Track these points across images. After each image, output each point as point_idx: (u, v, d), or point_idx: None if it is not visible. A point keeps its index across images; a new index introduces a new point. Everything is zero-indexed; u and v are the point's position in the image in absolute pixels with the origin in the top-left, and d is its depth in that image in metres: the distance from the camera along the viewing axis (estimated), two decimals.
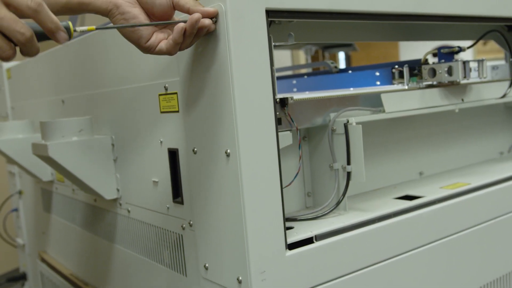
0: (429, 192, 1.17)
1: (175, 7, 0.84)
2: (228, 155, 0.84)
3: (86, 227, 1.47)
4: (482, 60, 1.25)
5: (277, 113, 0.96)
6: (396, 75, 1.27)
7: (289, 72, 2.62)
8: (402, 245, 1.03)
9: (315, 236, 0.93)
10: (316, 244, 0.92)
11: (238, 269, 0.86)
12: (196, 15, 0.80)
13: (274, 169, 0.86)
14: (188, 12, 0.82)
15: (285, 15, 0.91)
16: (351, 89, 1.38)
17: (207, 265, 0.94)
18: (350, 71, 1.42)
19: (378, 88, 1.30)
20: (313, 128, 1.09)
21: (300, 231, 0.94)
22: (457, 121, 1.43)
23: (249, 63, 0.83)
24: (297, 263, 0.89)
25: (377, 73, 1.31)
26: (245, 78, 0.82)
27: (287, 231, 0.93)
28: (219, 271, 0.91)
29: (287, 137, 0.97)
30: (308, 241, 0.92)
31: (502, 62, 1.65)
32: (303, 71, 2.10)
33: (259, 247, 0.84)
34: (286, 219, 1.01)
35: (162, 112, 1.02)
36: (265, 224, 0.85)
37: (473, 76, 1.28)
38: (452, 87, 1.25)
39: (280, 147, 0.95)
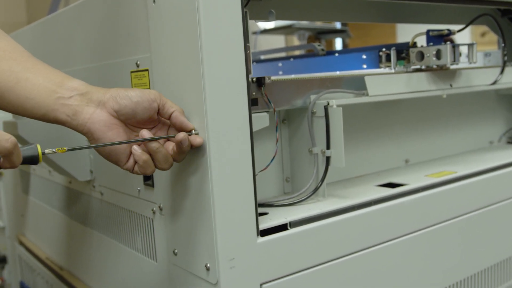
0: (413, 180, 1.13)
1: (159, 112, 0.79)
2: (197, 135, 0.79)
3: (61, 209, 1.42)
4: (472, 44, 1.20)
5: (253, 93, 0.92)
6: (383, 59, 1.22)
7: (283, 54, 2.58)
8: (382, 235, 0.99)
9: (289, 222, 0.89)
10: (290, 231, 0.88)
11: (206, 256, 0.82)
12: (182, 135, 0.76)
13: (246, 151, 0.82)
14: (171, 118, 0.79)
15: None
16: (337, 72, 1.34)
17: (176, 250, 0.89)
18: (336, 54, 1.38)
19: (362, 71, 1.26)
20: (293, 110, 1.04)
21: (275, 218, 0.90)
22: (446, 108, 1.38)
23: (220, 39, 0.78)
24: (269, 250, 0.85)
25: (364, 56, 1.26)
26: (215, 55, 0.77)
27: (261, 217, 0.89)
28: (187, 257, 0.87)
29: (263, 119, 0.93)
30: (282, 228, 0.88)
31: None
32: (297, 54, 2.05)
33: (228, 233, 0.80)
34: (261, 205, 0.97)
35: None
36: (235, 209, 0.81)
37: (464, 61, 1.24)
38: (441, 71, 1.20)
39: (256, 129, 0.91)
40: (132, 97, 0.77)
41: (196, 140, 0.77)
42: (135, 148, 0.77)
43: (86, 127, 0.77)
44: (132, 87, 0.83)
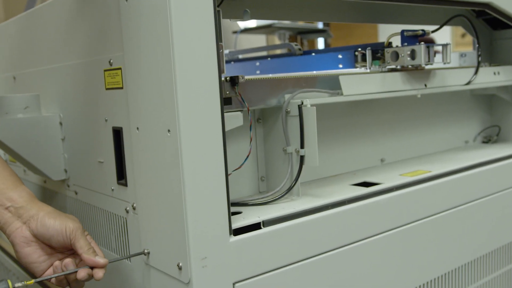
0: (388, 179, 1.13)
1: (71, 246, 0.86)
2: (169, 134, 0.79)
3: None
4: (447, 45, 1.21)
5: (227, 92, 0.92)
6: (359, 58, 1.23)
7: (264, 53, 2.58)
8: (355, 233, 1.00)
9: (263, 221, 0.89)
10: (263, 230, 0.88)
11: (178, 255, 0.81)
12: (82, 274, 0.82)
13: (218, 150, 0.82)
14: (81, 257, 0.84)
15: None
16: (314, 72, 1.34)
17: (148, 250, 0.89)
18: (313, 54, 1.38)
19: (338, 70, 1.26)
20: (268, 109, 1.04)
21: (248, 217, 0.90)
22: (422, 108, 1.40)
23: (191, 39, 0.78)
24: (241, 249, 0.85)
25: (340, 56, 1.27)
26: (187, 54, 0.77)
27: (234, 217, 0.89)
28: (160, 256, 0.87)
29: (237, 118, 0.93)
30: (255, 227, 0.88)
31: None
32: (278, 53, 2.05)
33: (200, 232, 0.80)
34: (235, 204, 0.98)
35: (107, 89, 0.97)
36: (207, 209, 0.81)
37: (438, 61, 1.25)
38: (416, 71, 1.21)
39: (229, 128, 0.91)
40: (49, 229, 0.85)
41: (97, 274, 0.83)
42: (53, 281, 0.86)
43: (10, 238, 0.86)
44: (54, 212, 0.88)
